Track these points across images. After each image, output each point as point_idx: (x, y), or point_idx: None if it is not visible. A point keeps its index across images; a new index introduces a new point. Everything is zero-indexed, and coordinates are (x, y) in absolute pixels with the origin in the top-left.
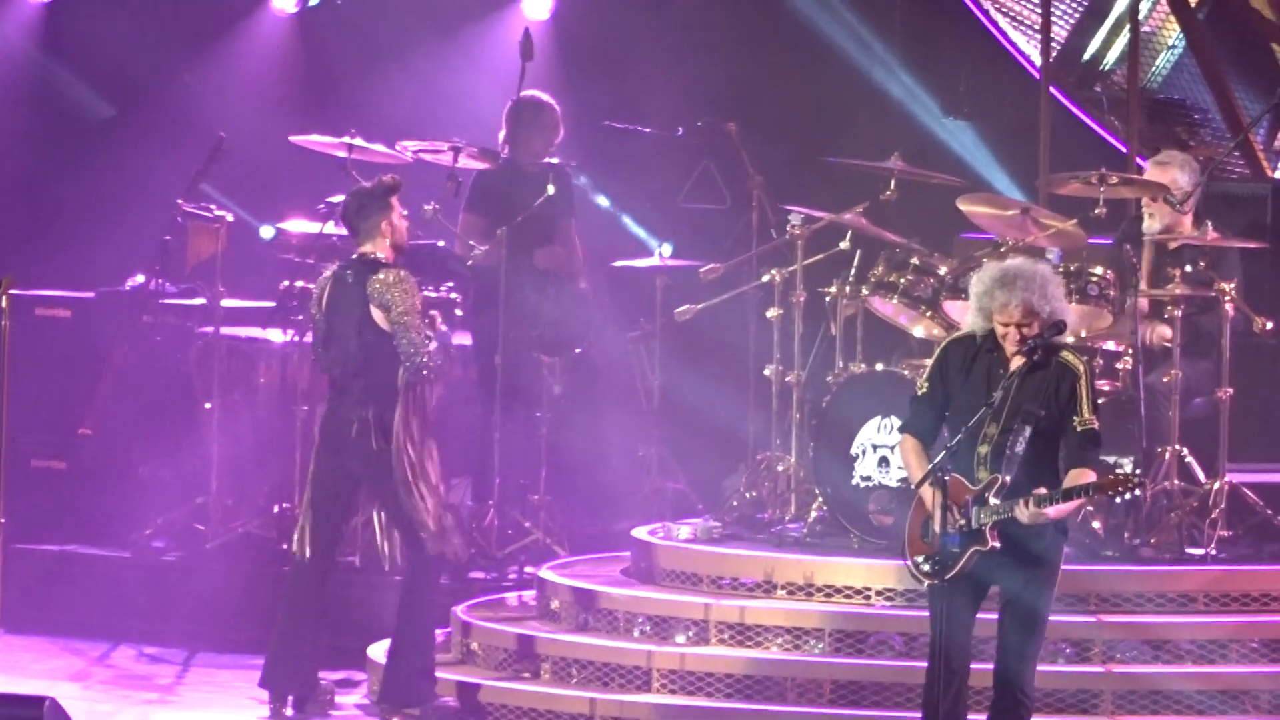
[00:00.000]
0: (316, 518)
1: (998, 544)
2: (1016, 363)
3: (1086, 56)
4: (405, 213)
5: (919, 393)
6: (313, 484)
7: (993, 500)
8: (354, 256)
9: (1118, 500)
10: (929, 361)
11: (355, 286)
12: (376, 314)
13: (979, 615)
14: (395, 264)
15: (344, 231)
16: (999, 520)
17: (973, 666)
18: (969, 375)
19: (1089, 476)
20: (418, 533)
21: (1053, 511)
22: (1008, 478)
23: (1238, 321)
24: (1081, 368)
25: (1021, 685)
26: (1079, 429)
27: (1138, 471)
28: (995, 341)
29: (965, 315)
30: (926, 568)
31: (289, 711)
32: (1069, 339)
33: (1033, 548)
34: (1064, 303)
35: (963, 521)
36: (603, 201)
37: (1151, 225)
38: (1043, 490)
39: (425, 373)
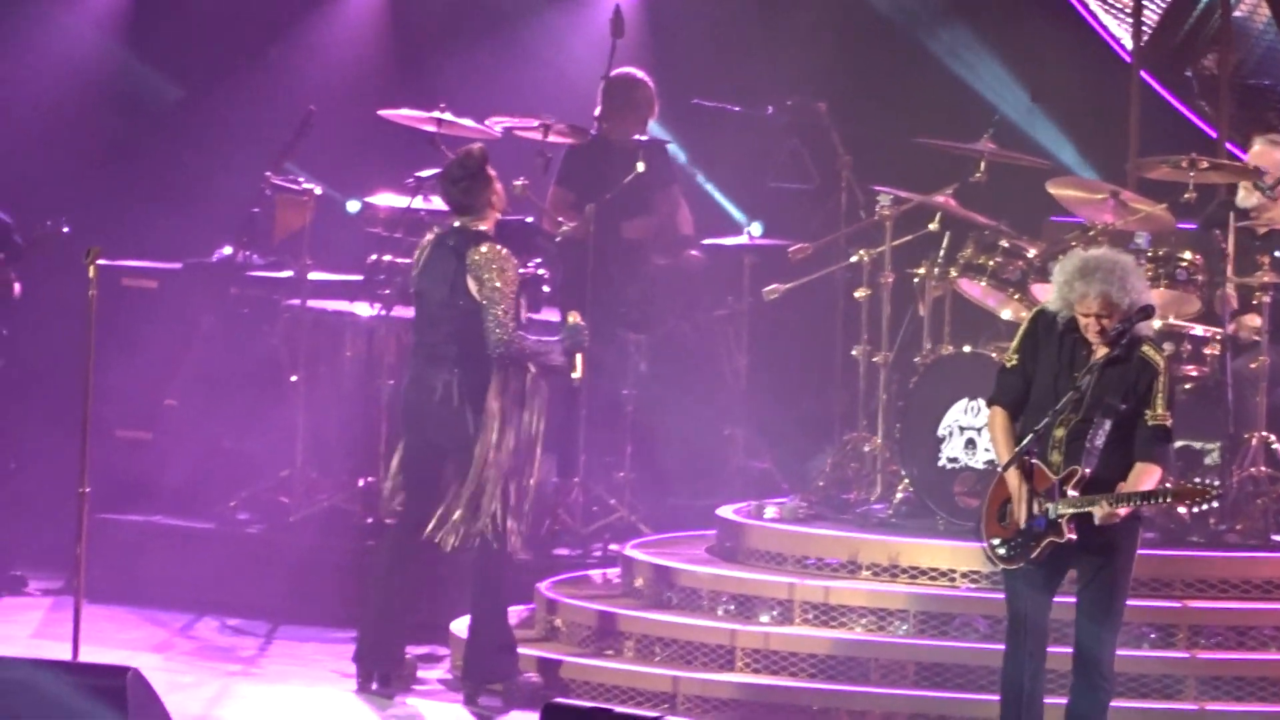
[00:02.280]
0: (407, 491)
1: (1074, 536)
2: (1099, 351)
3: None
4: (525, 182)
5: (1007, 365)
6: (402, 457)
7: (1071, 493)
8: (455, 225)
9: (1194, 510)
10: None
11: (455, 254)
12: (472, 284)
13: (1057, 598)
14: (496, 239)
15: (432, 206)
16: (1076, 513)
17: (1051, 649)
18: (1051, 352)
19: (1155, 473)
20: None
21: (1124, 511)
22: (1087, 471)
23: None
24: (1162, 363)
25: (1100, 667)
26: (1150, 424)
27: (1215, 483)
28: (1076, 323)
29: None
30: (1002, 552)
31: (374, 686)
32: (1156, 324)
33: (1108, 535)
34: (1145, 294)
35: (1044, 508)
36: (697, 178)
37: (1247, 200)
38: (1119, 492)
39: (504, 352)
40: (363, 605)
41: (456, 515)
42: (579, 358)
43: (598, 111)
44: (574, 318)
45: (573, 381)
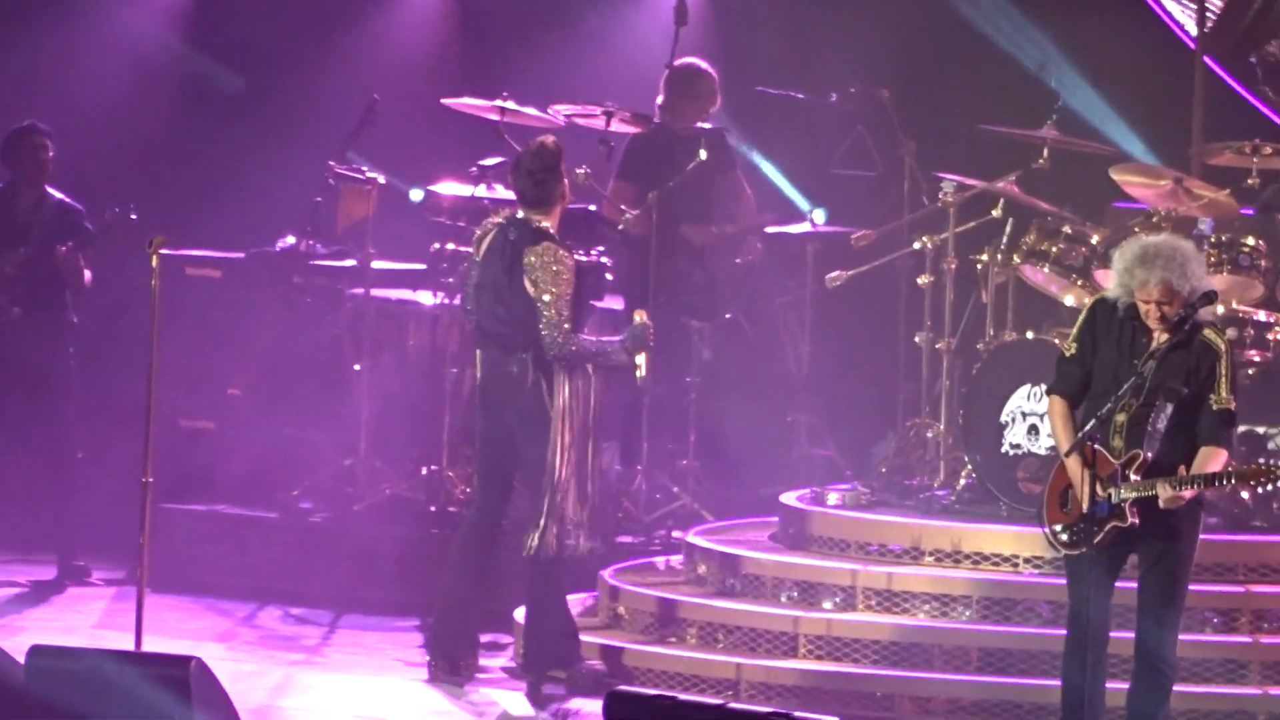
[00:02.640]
0: (481, 479)
1: (1137, 521)
2: (1160, 337)
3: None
4: (588, 170)
5: (1067, 354)
6: (479, 446)
7: (1134, 477)
8: (519, 216)
9: (1259, 490)
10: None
11: (516, 247)
12: (527, 284)
13: (1119, 584)
14: (556, 238)
15: (496, 194)
16: (1140, 498)
17: (1114, 635)
18: (1112, 339)
19: (1220, 456)
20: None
21: (1189, 494)
22: (1150, 455)
23: None
24: (1223, 346)
25: (1163, 654)
26: (1215, 408)
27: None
28: (1136, 310)
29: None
30: (1065, 537)
31: (444, 674)
32: (1220, 309)
33: (1170, 520)
34: (1205, 280)
35: (1106, 493)
36: (760, 162)
37: None
38: (1184, 473)
39: (556, 354)
40: (428, 591)
41: (542, 522)
42: (642, 357)
43: (660, 101)
44: (640, 317)
45: (638, 380)
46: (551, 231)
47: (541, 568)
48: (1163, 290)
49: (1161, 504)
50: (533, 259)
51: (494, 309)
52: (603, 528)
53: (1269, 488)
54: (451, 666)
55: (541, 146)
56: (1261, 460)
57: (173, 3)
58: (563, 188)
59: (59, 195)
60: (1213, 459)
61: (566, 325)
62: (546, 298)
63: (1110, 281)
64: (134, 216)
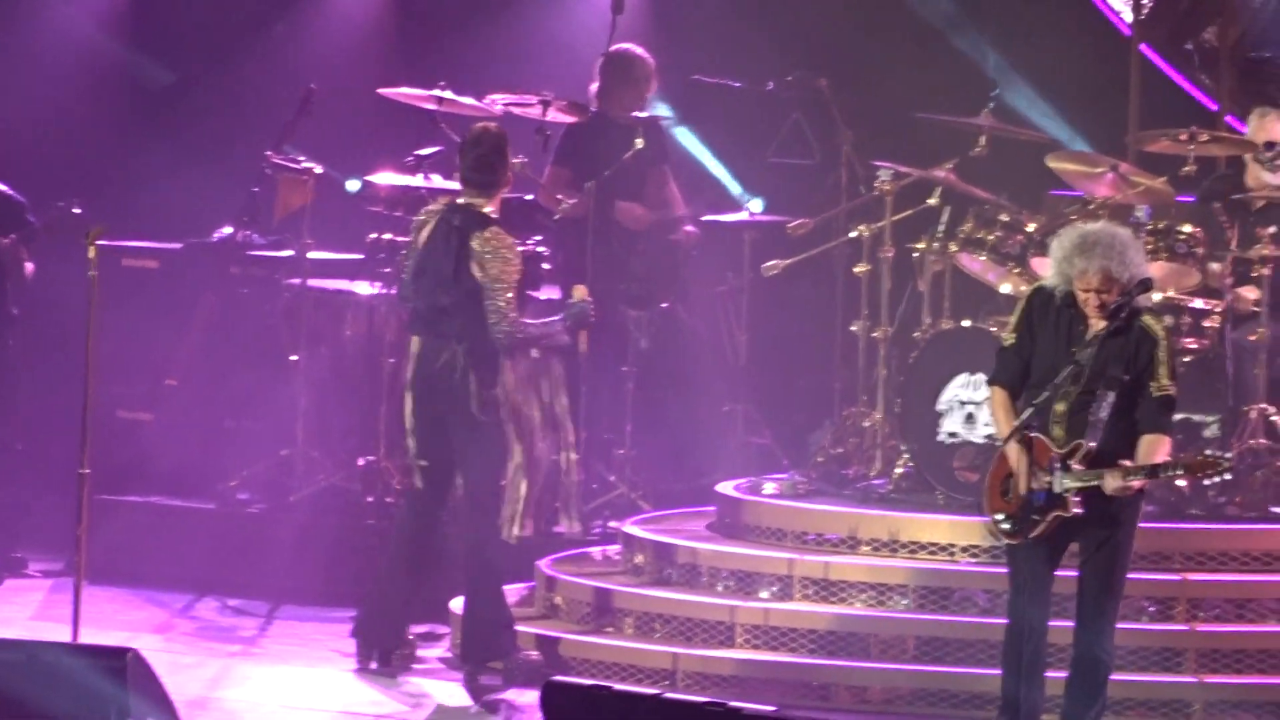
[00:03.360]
0: (423, 468)
1: (1080, 510)
2: (1097, 325)
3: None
4: (524, 160)
5: (1005, 344)
6: (414, 435)
7: (1076, 467)
8: (461, 202)
9: (1205, 482)
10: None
11: (460, 233)
12: (475, 269)
13: (1058, 572)
14: (499, 222)
15: (433, 184)
16: (1083, 487)
17: (1052, 624)
18: (1049, 328)
19: (1163, 443)
20: (481, 485)
21: (1137, 484)
22: (1092, 444)
23: None
24: (1162, 333)
25: (1101, 642)
26: (1156, 394)
27: (1226, 455)
28: (1074, 298)
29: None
30: (1006, 526)
31: (374, 665)
32: (1156, 296)
33: (1111, 508)
34: (1144, 267)
35: (1047, 482)
36: (696, 150)
37: (1258, 178)
38: (1129, 463)
39: (504, 341)
40: (364, 582)
41: (520, 508)
42: (583, 335)
43: (595, 88)
44: (580, 293)
45: (579, 356)
46: (495, 217)
47: (482, 557)
48: (1102, 279)
49: (1109, 492)
50: (480, 244)
51: (435, 295)
52: (543, 514)
53: (1214, 480)
54: (384, 657)
55: (486, 130)
56: (1208, 452)
57: None
58: (508, 173)
59: (1, 187)
60: (1157, 446)
61: (514, 313)
62: (495, 283)
63: (1048, 270)
64: (78, 211)
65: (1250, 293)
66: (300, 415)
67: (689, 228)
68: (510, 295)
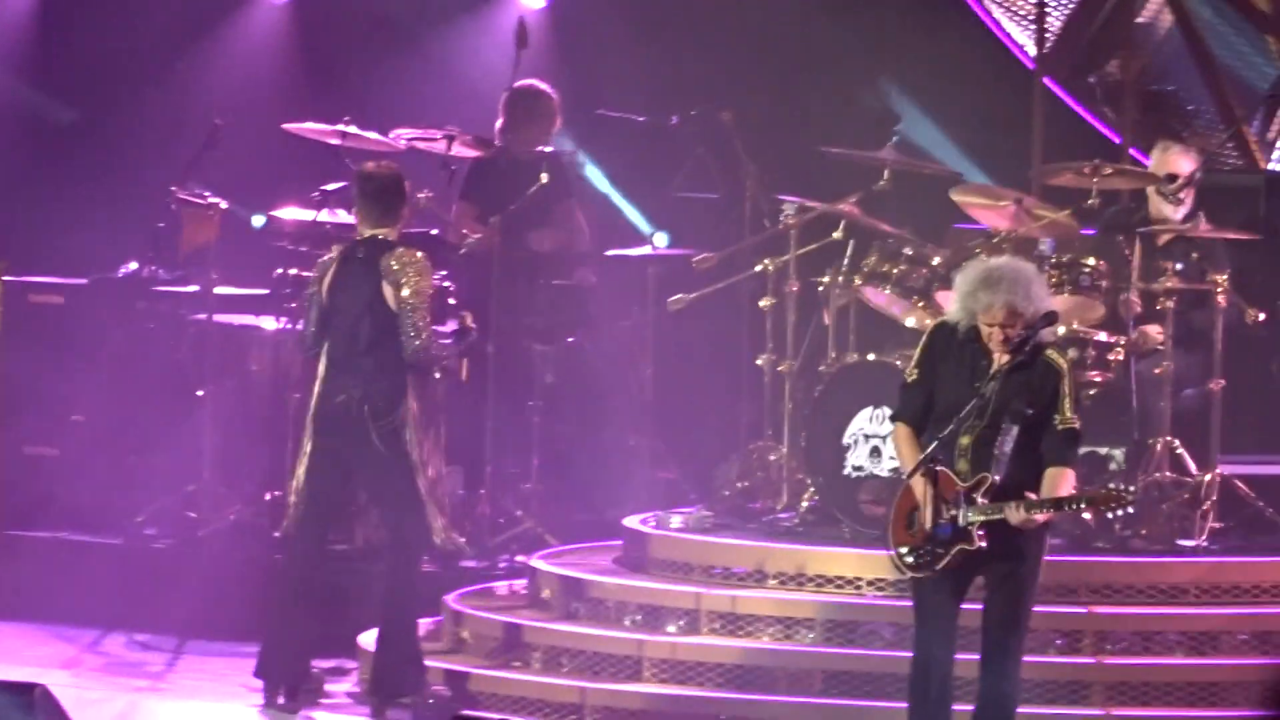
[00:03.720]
0: (311, 503)
1: (985, 544)
2: (1001, 359)
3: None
4: (429, 194)
5: (908, 379)
6: (307, 468)
7: (981, 500)
8: (362, 237)
9: (1109, 515)
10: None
11: (367, 264)
12: (388, 291)
13: (964, 606)
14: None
15: (337, 219)
16: (987, 521)
17: (959, 657)
18: (952, 362)
19: (1068, 476)
20: (403, 520)
21: (1041, 517)
22: (997, 478)
23: (1230, 314)
24: (1065, 366)
25: (1007, 676)
26: (1060, 428)
27: (1129, 488)
28: (977, 332)
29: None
30: (911, 560)
31: (281, 700)
32: (1061, 330)
33: (1016, 542)
34: (1048, 301)
35: (951, 515)
36: (602, 184)
37: (1161, 211)
38: (1033, 496)
39: (422, 358)
40: (266, 618)
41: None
42: (464, 362)
43: (500, 123)
44: (465, 320)
45: (460, 382)
46: (400, 243)
47: (401, 591)
48: (1007, 313)
49: (1015, 524)
50: (393, 263)
51: (342, 339)
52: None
53: (1117, 514)
54: (290, 692)
55: (379, 166)
56: (1112, 485)
57: (10, 28)
58: (406, 206)
59: None
60: (1061, 479)
61: (428, 331)
62: (411, 298)
63: (951, 304)
64: None
65: (1153, 330)
66: (207, 450)
67: (591, 276)
68: (425, 313)
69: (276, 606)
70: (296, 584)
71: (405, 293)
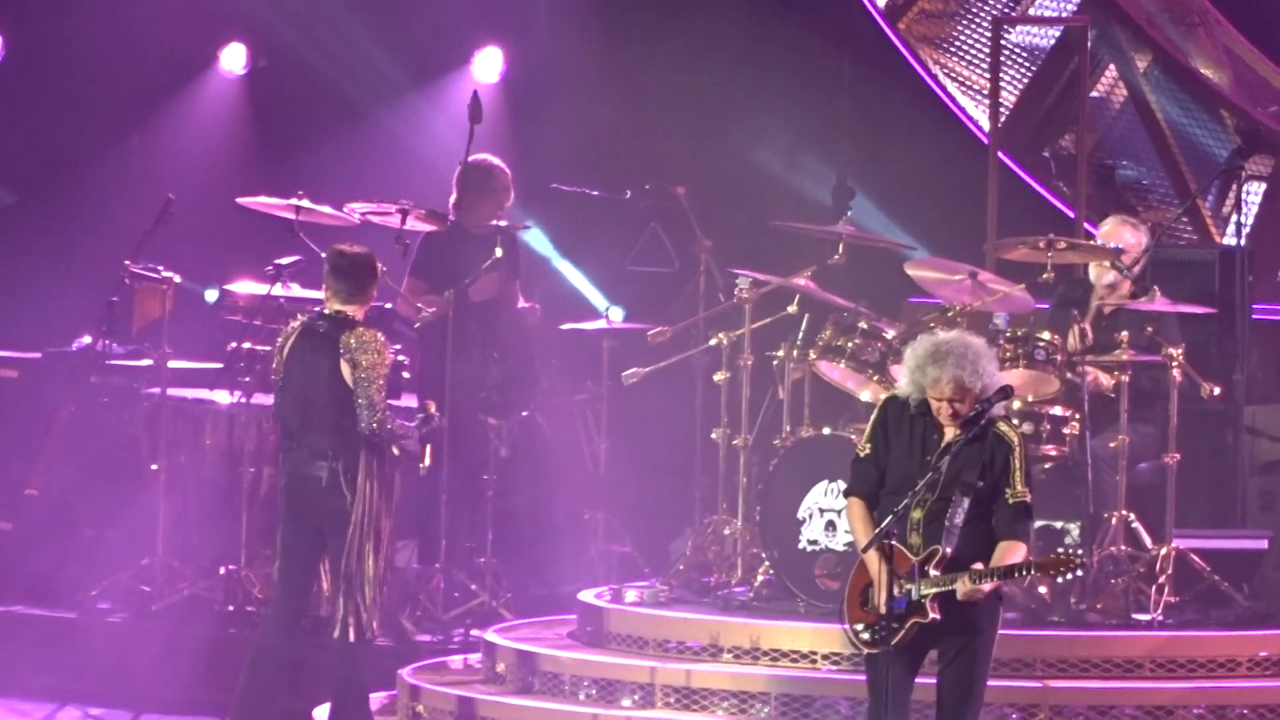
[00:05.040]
0: (284, 582)
1: (938, 616)
2: (951, 433)
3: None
4: (383, 269)
5: (860, 455)
6: (281, 548)
7: (933, 572)
8: (327, 313)
9: (1058, 580)
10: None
11: (327, 340)
12: (345, 369)
13: (919, 680)
14: (370, 325)
15: (291, 293)
16: (940, 592)
17: None
18: (904, 437)
19: (1019, 549)
20: (356, 594)
21: (988, 586)
22: (948, 550)
23: (1185, 387)
24: (1016, 439)
25: None
26: (1011, 501)
27: (1078, 551)
28: (928, 406)
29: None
30: (866, 636)
31: None
32: (1015, 404)
33: (970, 615)
34: (997, 377)
35: (905, 589)
36: (556, 260)
37: (1103, 278)
38: (980, 566)
39: (377, 432)
40: (227, 691)
41: (340, 601)
42: (428, 448)
43: (454, 199)
44: (430, 408)
45: (420, 470)
46: (361, 321)
47: (350, 662)
48: (955, 388)
49: (960, 597)
50: (352, 340)
51: (303, 414)
52: (393, 624)
53: (1067, 578)
54: None
55: (351, 248)
56: (1060, 550)
57: None
58: (375, 284)
59: None
60: (1011, 552)
61: (384, 406)
62: (367, 373)
63: (901, 378)
64: None
65: (1103, 383)
66: (161, 524)
67: (535, 306)
68: (381, 388)
69: (246, 680)
70: (268, 660)
71: (361, 368)
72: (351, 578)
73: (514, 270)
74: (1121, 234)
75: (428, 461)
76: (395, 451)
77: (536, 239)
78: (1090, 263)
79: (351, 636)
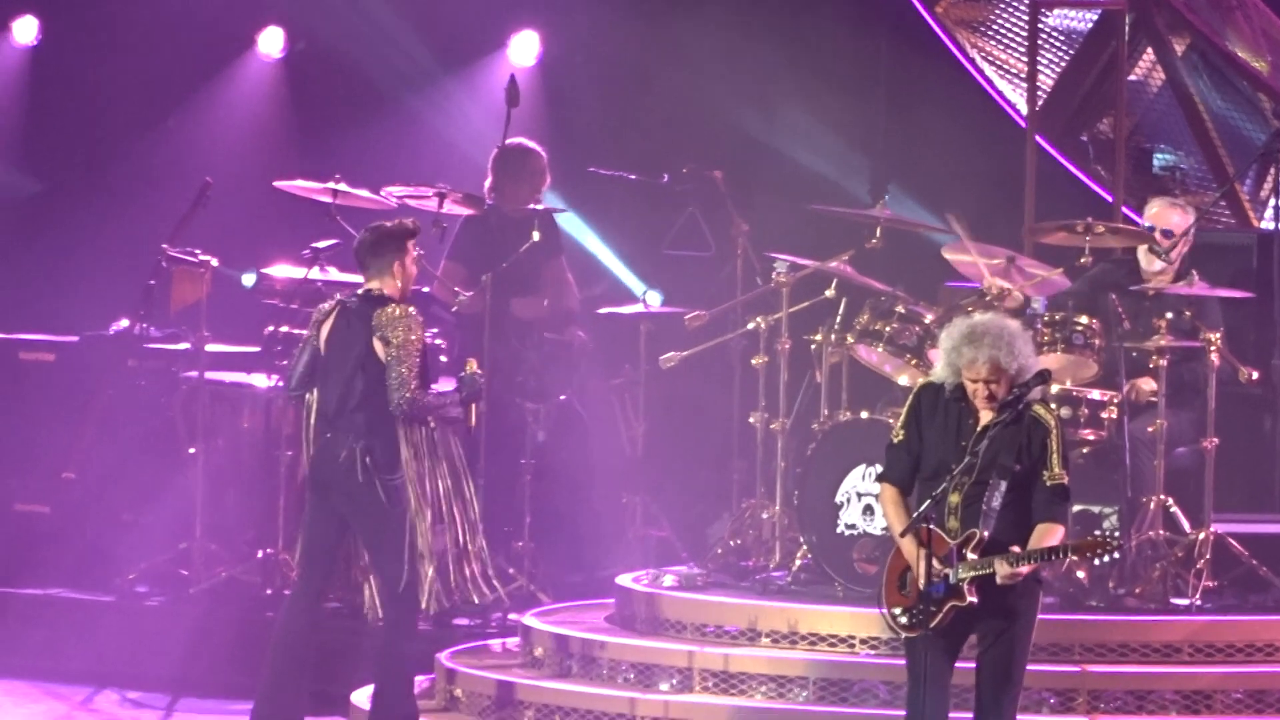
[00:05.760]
0: (306, 559)
1: (975, 599)
2: (987, 416)
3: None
4: (420, 253)
5: (894, 440)
6: (304, 527)
7: (970, 556)
8: (359, 292)
9: (1096, 562)
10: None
11: (359, 319)
12: (378, 346)
13: (958, 664)
14: (403, 302)
15: (329, 277)
16: (977, 576)
17: (953, 715)
18: (938, 422)
19: (1056, 532)
20: (399, 577)
21: (1025, 569)
22: (985, 533)
23: (1223, 371)
24: (1053, 421)
25: None
26: (1048, 483)
27: (1116, 534)
28: (963, 390)
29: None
30: (904, 620)
31: None
32: (1054, 388)
33: (1009, 599)
34: (1033, 359)
35: (943, 573)
36: (593, 244)
37: (1151, 266)
38: (1018, 549)
39: (407, 409)
40: (253, 674)
41: (429, 576)
42: (474, 407)
43: (489, 182)
44: (471, 366)
45: (469, 430)
46: (392, 297)
47: (397, 648)
48: (990, 369)
49: (999, 580)
50: (383, 318)
51: (336, 393)
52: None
53: (1105, 560)
54: None
55: (381, 224)
56: (1098, 532)
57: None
58: (402, 256)
59: None
60: (1048, 535)
61: (415, 382)
62: (398, 351)
63: (937, 361)
64: None
65: (1146, 383)
66: (198, 508)
67: (580, 333)
68: (412, 365)
69: (270, 664)
70: (292, 643)
71: (392, 344)
72: (398, 555)
73: (556, 248)
74: (1169, 216)
75: (473, 421)
76: (432, 423)
77: (573, 223)
78: (1139, 254)
79: (391, 616)
